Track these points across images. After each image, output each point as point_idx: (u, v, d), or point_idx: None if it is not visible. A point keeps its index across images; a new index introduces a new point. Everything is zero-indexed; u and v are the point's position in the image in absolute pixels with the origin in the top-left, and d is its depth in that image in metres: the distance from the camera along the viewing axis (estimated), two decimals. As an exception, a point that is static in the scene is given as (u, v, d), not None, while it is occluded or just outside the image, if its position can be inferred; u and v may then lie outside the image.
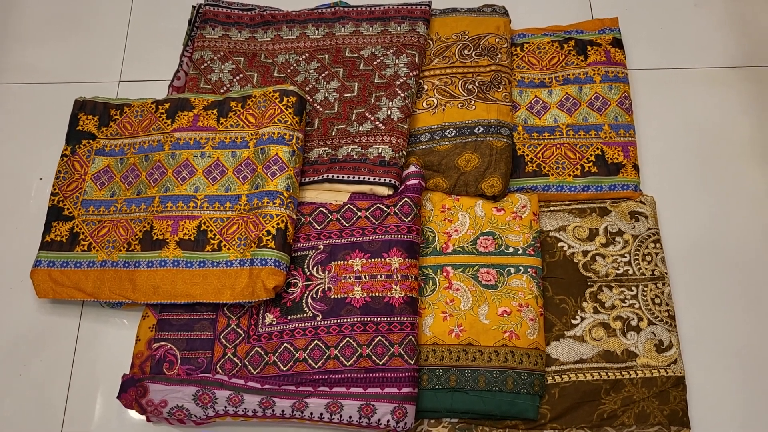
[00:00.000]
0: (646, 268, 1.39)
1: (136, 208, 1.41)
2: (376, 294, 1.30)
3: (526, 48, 1.62)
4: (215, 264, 1.32)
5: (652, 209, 1.45)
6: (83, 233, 1.42)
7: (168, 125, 1.46)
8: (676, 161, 1.55)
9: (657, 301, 1.36)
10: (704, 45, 1.67)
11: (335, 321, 1.29)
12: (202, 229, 1.36)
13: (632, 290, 1.38)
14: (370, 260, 1.33)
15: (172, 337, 1.32)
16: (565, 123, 1.52)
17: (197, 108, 1.46)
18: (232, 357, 1.30)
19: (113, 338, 1.41)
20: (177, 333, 1.33)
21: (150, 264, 1.34)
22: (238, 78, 1.57)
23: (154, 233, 1.36)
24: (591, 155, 1.49)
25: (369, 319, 1.28)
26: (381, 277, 1.31)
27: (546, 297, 1.37)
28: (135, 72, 1.70)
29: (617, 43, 1.60)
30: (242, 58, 1.60)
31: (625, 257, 1.41)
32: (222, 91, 1.55)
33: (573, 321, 1.35)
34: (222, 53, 1.60)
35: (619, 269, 1.40)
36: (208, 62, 1.59)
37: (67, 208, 1.45)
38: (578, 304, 1.37)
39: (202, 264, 1.33)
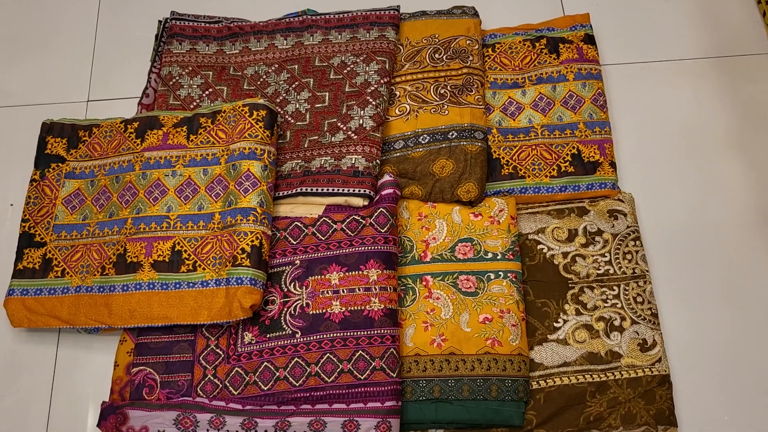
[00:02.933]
0: (627, 267, 1.38)
1: (109, 231, 1.38)
2: (355, 308, 1.28)
3: (498, 48, 1.60)
4: (191, 285, 1.31)
5: (631, 207, 1.44)
6: (56, 259, 1.39)
7: (137, 145, 1.44)
8: (653, 156, 1.53)
9: (639, 299, 1.35)
10: (676, 37, 1.66)
11: (315, 337, 1.27)
12: (176, 249, 1.34)
13: (614, 290, 1.36)
14: (347, 273, 1.31)
15: (150, 360, 1.31)
16: (540, 123, 1.51)
17: (166, 126, 1.44)
18: (212, 378, 1.28)
19: (92, 365, 1.39)
20: (156, 356, 1.31)
21: (125, 287, 1.32)
22: (207, 92, 1.55)
23: (128, 256, 1.34)
24: (567, 155, 1.47)
25: (349, 334, 1.26)
26: (359, 290, 1.29)
27: (527, 301, 1.36)
28: (103, 91, 1.67)
29: (589, 40, 1.59)
30: (211, 72, 1.58)
31: (606, 257, 1.39)
32: (192, 106, 1.53)
33: (555, 324, 1.34)
34: (190, 68, 1.58)
35: (599, 269, 1.38)
36: (177, 78, 1.57)
37: (39, 234, 1.42)
38: (560, 307, 1.36)
39: (177, 285, 1.31)
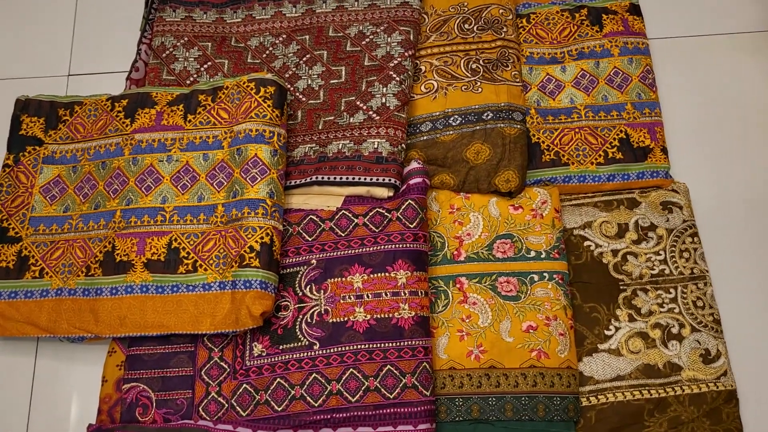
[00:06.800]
0: (684, 267, 1.24)
1: (95, 224, 1.26)
2: (382, 315, 1.15)
3: (533, 19, 1.45)
4: (191, 288, 1.18)
5: (686, 198, 1.30)
6: (33, 257, 1.27)
7: (127, 125, 1.31)
8: (705, 141, 1.40)
9: (699, 303, 1.21)
10: (731, 7, 1.52)
11: (335, 350, 1.14)
12: (173, 247, 1.21)
13: (670, 293, 1.23)
14: (372, 275, 1.18)
15: (144, 375, 1.19)
16: (582, 103, 1.36)
17: (160, 104, 1.32)
18: (216, 397, 1.15)
19: (76, 379, 1.27)
20: (150, 371, 1.20)
21: (114, 291, 1.20)
22: (206, 66, 1.42)
23: (117, 254, 1.22)
24: (614, 139, 1.33)
25: (375, 346, 1.14)
26: (386, 294, 1.16)
27: (574, 306, 1.22)
28: (86, 64, 1.56)
29: (635, 10, 1.45)
30: (210, 43, 1.44)
31: (660, 255, 1.25)
32: (188, 82, 1.41)
33: (606, 332, 1.20)
34: (186, 38, 1.45)
35: (654, 269, 1.24)
36: (171, 49, 1.44)
37: (13, 228, 1.30)
38: (611, 312, 1.22)
39: (175, 288, 1.19)
